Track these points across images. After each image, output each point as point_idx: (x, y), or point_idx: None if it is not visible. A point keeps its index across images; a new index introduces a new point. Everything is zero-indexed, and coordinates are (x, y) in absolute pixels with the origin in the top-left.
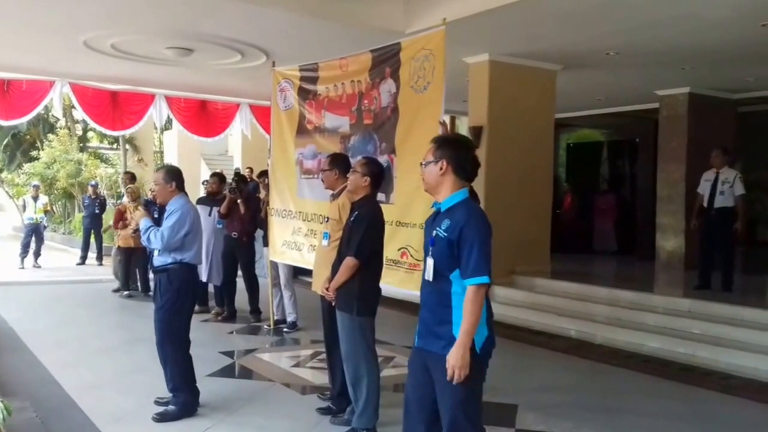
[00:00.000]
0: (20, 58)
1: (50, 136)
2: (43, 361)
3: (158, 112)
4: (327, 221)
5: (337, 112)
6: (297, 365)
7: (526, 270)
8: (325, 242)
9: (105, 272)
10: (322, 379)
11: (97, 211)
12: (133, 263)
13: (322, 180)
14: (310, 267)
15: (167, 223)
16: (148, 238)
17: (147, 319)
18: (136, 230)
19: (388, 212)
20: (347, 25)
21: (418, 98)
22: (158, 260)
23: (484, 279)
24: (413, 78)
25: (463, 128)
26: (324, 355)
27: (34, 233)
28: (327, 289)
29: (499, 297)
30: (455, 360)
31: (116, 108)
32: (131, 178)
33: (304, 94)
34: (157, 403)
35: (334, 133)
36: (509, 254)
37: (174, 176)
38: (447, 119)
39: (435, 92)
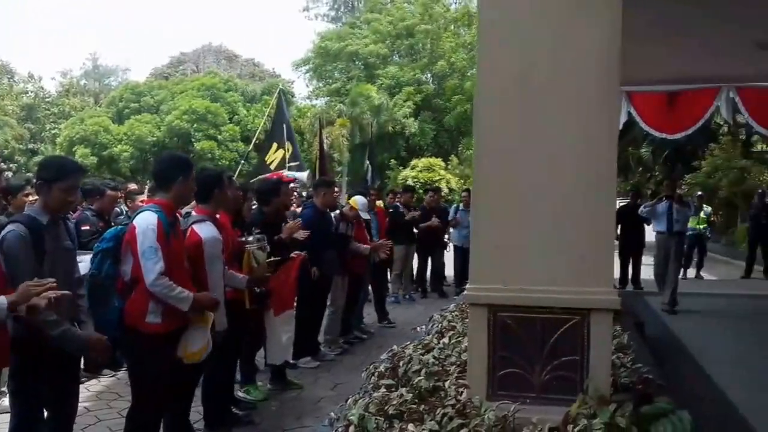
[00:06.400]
0: (686, 68)
1: (711, 144)
2: (714, 376)
3: None
4: None
5: None
6: None
7: None
8: None
9: None
10: None
11: (763, 222)
12: None
13: None
14: None
15: None
16: None
17: None
18: None
19: None
20: None
21: None
22: None
23: None
24: None
25: None
26: None
27: (697, 244)
28: None
29: None
30: None
31: None
32: None
33: None
34: None
35: None
36: None
37: None
38: None
39: None
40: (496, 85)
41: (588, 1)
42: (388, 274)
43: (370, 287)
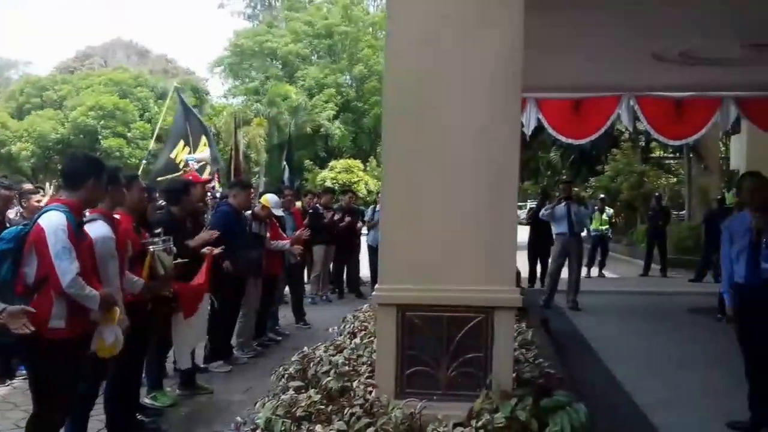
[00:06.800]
0: (590, 77)
1: (614, 150)
2: (612, 369)
3: (725, 116)
4: None
5: None
6: None
7: None
8: None
9: (669, 284)
10: None
11: (660, 223)
12: None
13: None
14: None
15: None
16: None
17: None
18: None
19: None
20: None
21: None
22: None
23: None
24: None
25: None
26: None
27: (600, 244)
28: None
29: None
30: None
31: (681, 116)
32: None
33: None
34: (732, 426)
35: None
36: None
37: None
38: None
39: None
40: (401, 90)
41: (490, 10)
42: (305, 275)
43: (287, 288)
